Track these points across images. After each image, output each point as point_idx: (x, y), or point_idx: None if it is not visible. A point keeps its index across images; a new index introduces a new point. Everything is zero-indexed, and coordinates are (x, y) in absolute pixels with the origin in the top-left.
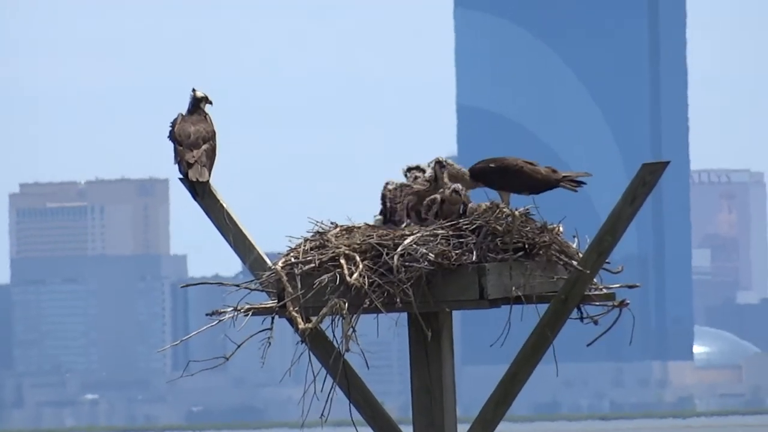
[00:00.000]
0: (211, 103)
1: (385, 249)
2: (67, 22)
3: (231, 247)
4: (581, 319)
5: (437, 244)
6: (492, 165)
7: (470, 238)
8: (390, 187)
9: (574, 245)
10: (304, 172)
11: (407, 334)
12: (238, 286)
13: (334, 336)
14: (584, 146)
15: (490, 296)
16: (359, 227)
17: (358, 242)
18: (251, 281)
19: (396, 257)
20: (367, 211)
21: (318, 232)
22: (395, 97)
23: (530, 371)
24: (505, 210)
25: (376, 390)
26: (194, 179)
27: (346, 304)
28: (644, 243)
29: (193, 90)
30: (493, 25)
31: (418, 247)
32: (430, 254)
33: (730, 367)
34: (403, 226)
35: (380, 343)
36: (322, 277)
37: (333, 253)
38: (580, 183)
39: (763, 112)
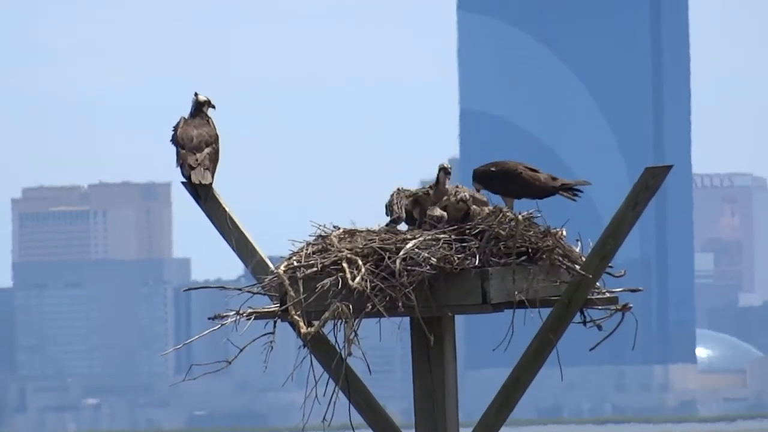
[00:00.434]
0: (214, 107)
1: (388, 253)
2: (69, 26)
3: (233, 250)
4: (584, 323)
5: (440, 248)
6: (493, 169)
7: (473, 242)
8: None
9: (577, 249)
10: (306, 175)
11: (410, 338)
12: (240, 289)
13: (336, 340)
14: (587, 150)
15: (493, 300)
16: (362, 231)
17: (361, 246)
18: (253, 285)
19: (398, 261)
20: (370, 215)
21: (320, 235)
22: (398, 100)
23: (533, 376)
24: (508, 214)
25: (379, 394)
26: (197, 182)
27: (349, 308)
28: (647, 247)
29: (196, 94)
30: (495, 28)
31: (421, 251)
32: (432, 258)
33: (733, 371)
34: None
35: (383, 348)
36: (325, 281)
37: (335, 256)
38: (578, 192)
39: (766, 115)
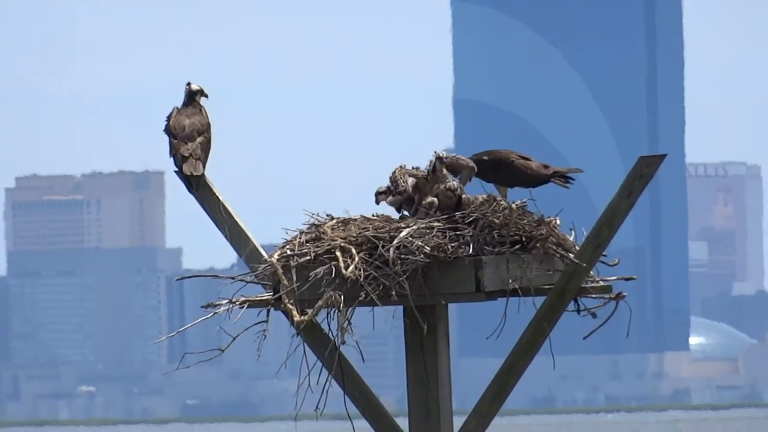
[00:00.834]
0: (206, 96)
1: (381, 241)
2: (62, 17)
3: (226, 239)
4: (578, 311)
5: (433, 236)
6: (485, 158)
7: (467, 230)
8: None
9: (571, 238)
10: (300, 165)
11: (403, 326)
12: (233, 278)
13: (329, 329)
14: (581, 139)
15: (487, 289)
16: (355, 220)
17: (354, 235)
18: (247, 273)
19: (392, 250)
20: (363, 204)
21: (314, 224)
22: (392, 90)
23: (526, 364)
24: (502, 203)
25: (372, 383)
26: (189, 173)
27: (342, 297)
28: (641, 236)
29: (188, 83)
30: (489, 18)
31: (414, 240)
32: (426, 247)
33: (726, 360)
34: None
35: (376, 336)
36: (318, 270)
37: (329, 245)
38: (570, 179)
39: (759, 105)
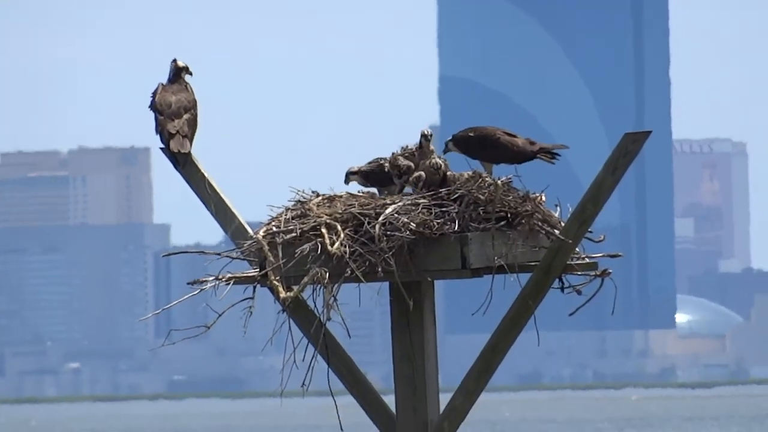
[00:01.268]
0: (191, 74)
1: (367, 218)
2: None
3: (213, 216)
4: (562, 289)
5: (419, 213)
6: (471, 134)
7: (452, 207)
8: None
9: (557, 215)
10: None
11: (389, 303)
12: (219, 254)
13: (315, 305)
14: (567, 116)
15: (473, 266)
16: (341, 196)
17: (340, 211)
18: (233, 250)
19: (378, 226)
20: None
21: (299, 201)
22: (378, 67)
23: (512, 341)
24: (487, 179)
25: (358, 360)
26: (176, 150)
27: (327, 274)
28: (627, 212)
29: (174, 60)
30: None
31: (400, 216)
32: (411, 223)
33: (713, 337)
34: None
35: (362, 313)
36: (304, 246)
37: (314, 222)
38: (556, 155)
39: (745, 82)
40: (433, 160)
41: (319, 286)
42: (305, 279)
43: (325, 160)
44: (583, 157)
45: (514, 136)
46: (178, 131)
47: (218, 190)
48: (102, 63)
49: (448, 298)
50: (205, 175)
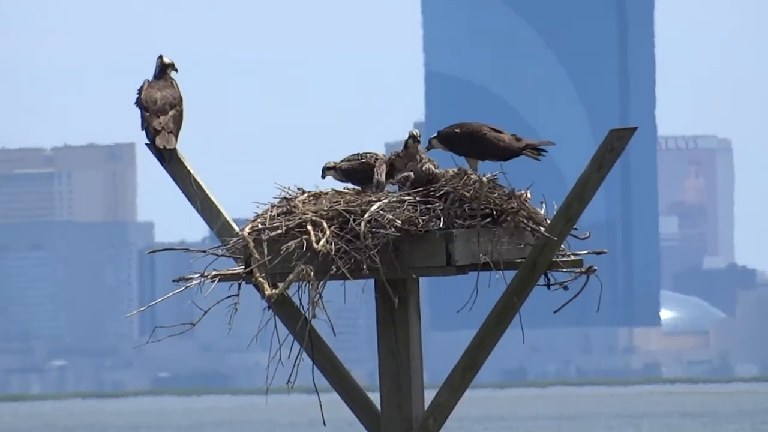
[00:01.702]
0: (176, 70)
1: (353, 215)
2: None
3: (198, 212)
4: (548, 285)
5: (404, 210)
6: (457, 130)
7: (437, 204)
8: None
9: (542, 212)
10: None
11: (374, 300)
12: (204, 252)
13: (300, 302)
14: (552, 112)
15: (458, 263)
16: (326, 193)
17: (325, 208)
18: (218, 247)
19: (363, 223)
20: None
21: (285, 198)
22: (364, 63)
23: (497, 338)
24: (472, 176)
25: (344, 357)
26: (161, 147)
27: (313, 271)
28: (612, 209)
29: (160, 56)
30: None
31: (385, 214)
32: (396, 220)
33: (697, 333)
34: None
35: (347, 310)
36: (289, 243)
37: (300, 219)
38: (542, 152)
39: (730, 78)
40: (426, 166)
41: (305, 283)
42: (291, 276)
43: (311, 156)
44: (568, 155)
45: (501, 133)
46: (163, 127)
47: (204, 186)
48: (87, 59)
49: (434, 295)
50: (191, 171)
